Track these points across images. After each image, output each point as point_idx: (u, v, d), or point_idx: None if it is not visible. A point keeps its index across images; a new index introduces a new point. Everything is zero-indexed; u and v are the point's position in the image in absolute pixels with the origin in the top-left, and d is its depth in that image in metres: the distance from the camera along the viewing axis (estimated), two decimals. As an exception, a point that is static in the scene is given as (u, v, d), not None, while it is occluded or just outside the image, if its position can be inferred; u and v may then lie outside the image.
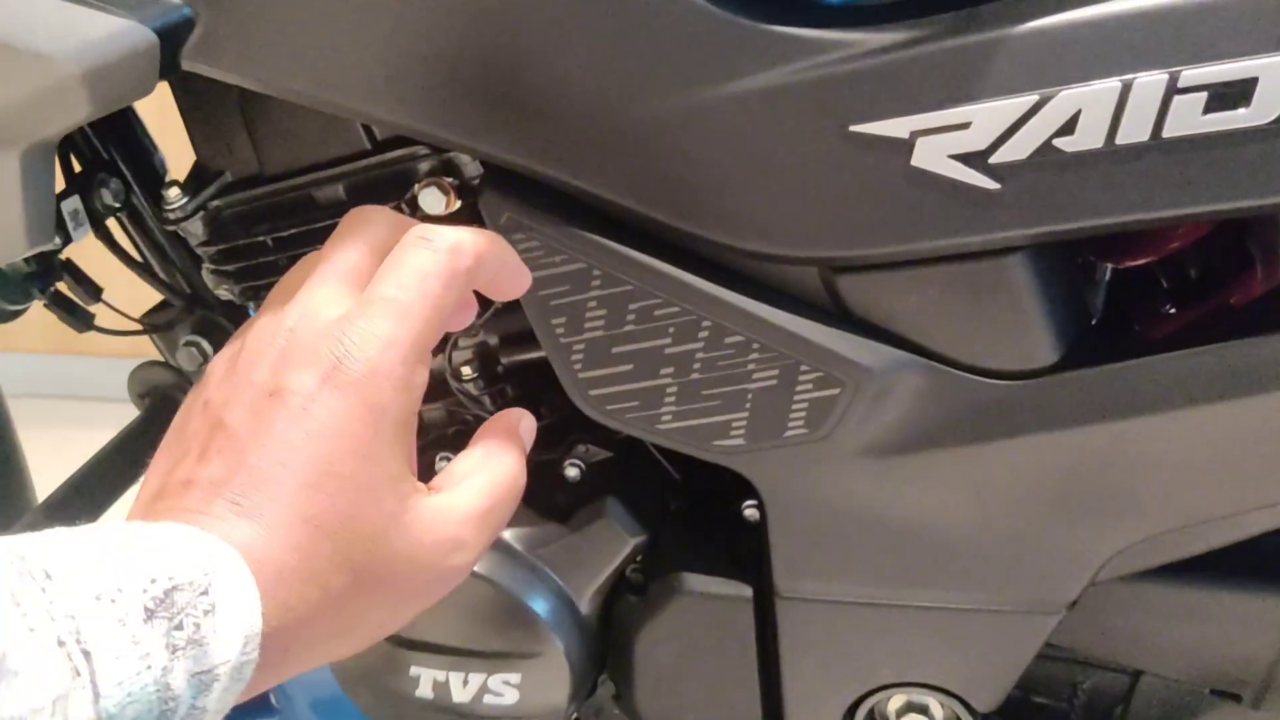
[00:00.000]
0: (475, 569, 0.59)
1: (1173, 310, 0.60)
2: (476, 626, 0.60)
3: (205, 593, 0.32)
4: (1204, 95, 0.40)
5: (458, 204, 0.57)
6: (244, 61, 0.48)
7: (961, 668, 0.57)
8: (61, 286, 0.69)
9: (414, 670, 0.61)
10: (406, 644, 0.61)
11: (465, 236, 0.40)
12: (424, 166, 0.58)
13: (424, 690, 0.62)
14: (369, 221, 0.41)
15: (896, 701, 0.59)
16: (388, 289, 0.38)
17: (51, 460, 0.91)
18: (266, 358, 0.37)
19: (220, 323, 0.73)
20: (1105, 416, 0.48)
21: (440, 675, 0.61)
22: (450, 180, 0.56)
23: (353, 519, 0.36)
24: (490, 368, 0.64)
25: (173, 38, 0.46)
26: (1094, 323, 0.53)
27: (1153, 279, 0.61)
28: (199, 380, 0.41)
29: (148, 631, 0.30)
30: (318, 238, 0.60)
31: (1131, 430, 0.48)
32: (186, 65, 0.48)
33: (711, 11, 0.44)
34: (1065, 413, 0.49)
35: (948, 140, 0.43)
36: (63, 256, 0.69)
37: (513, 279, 0.43)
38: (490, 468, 0.41)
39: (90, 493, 0.67)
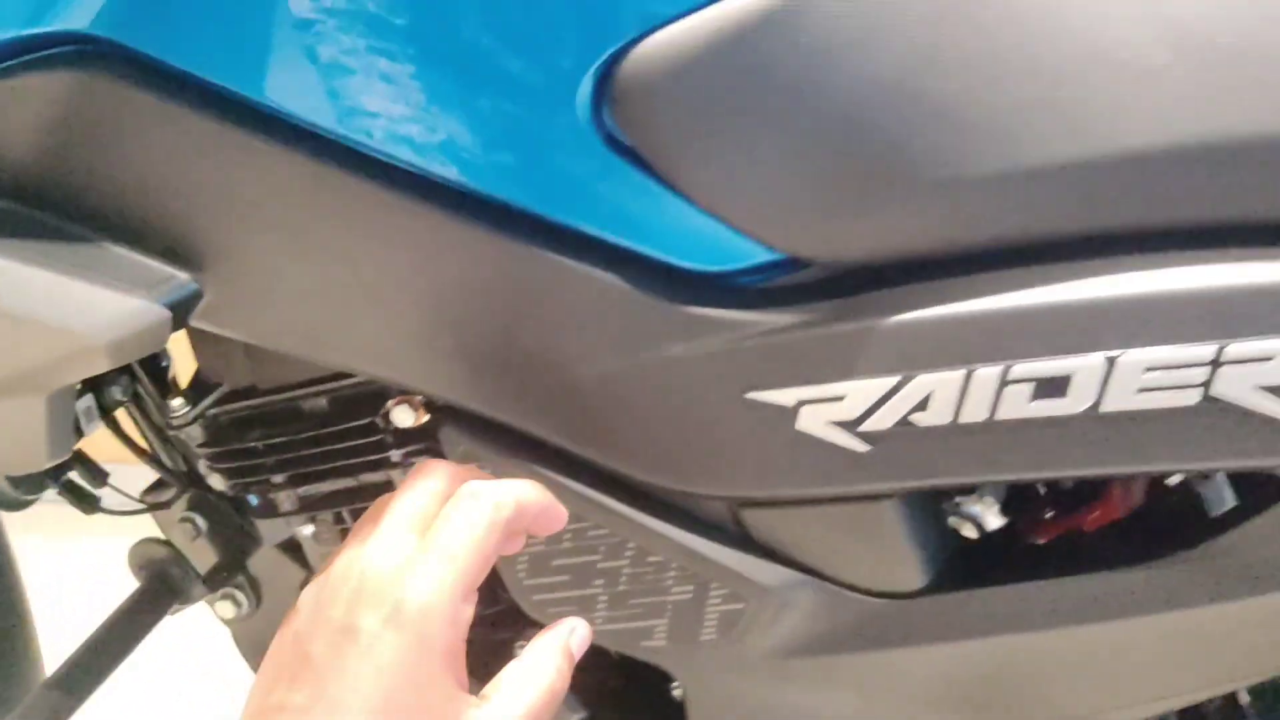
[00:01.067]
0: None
1: (1052, 514, 0.69)
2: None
3: None
4: (1030, 385, 0.49)
5: (425, 417, 0.65)
6: (242, 324, 0.57)
7: None
8: (71, 473, 0.77)
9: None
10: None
11: (509, 490, 0.47)
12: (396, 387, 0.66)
13: None
14: (432, 474, 0.49)
15: None
16: (441, 538, 0.45)
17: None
18: (341, 596, 0.45)
19: (214, 502, 0.81)
20: (965, 634, 0.56)
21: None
22: (419, 399, 0.65)
23: None
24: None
25: (183, 308, 0.55)
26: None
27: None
28: (293, 608, 0.48)
29: None
30: (303, 445, 0.69)
31: (989, 645, 0.56)
32: (194, 323, 0.57)
33: (637, 295, 0.53)
34: (934, 628, 0.57)
35: (826, 409, 0.52)
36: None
37: (550, 520, 0.49)
38: (534, 677, 0.48)
39: (92, 667, 0.74)
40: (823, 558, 0.57)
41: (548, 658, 0.49)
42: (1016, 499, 0.77)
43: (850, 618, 0.58)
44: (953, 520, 0.75)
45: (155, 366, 0.79)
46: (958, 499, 0.79)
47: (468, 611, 0.45)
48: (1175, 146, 0.46)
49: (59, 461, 0.61)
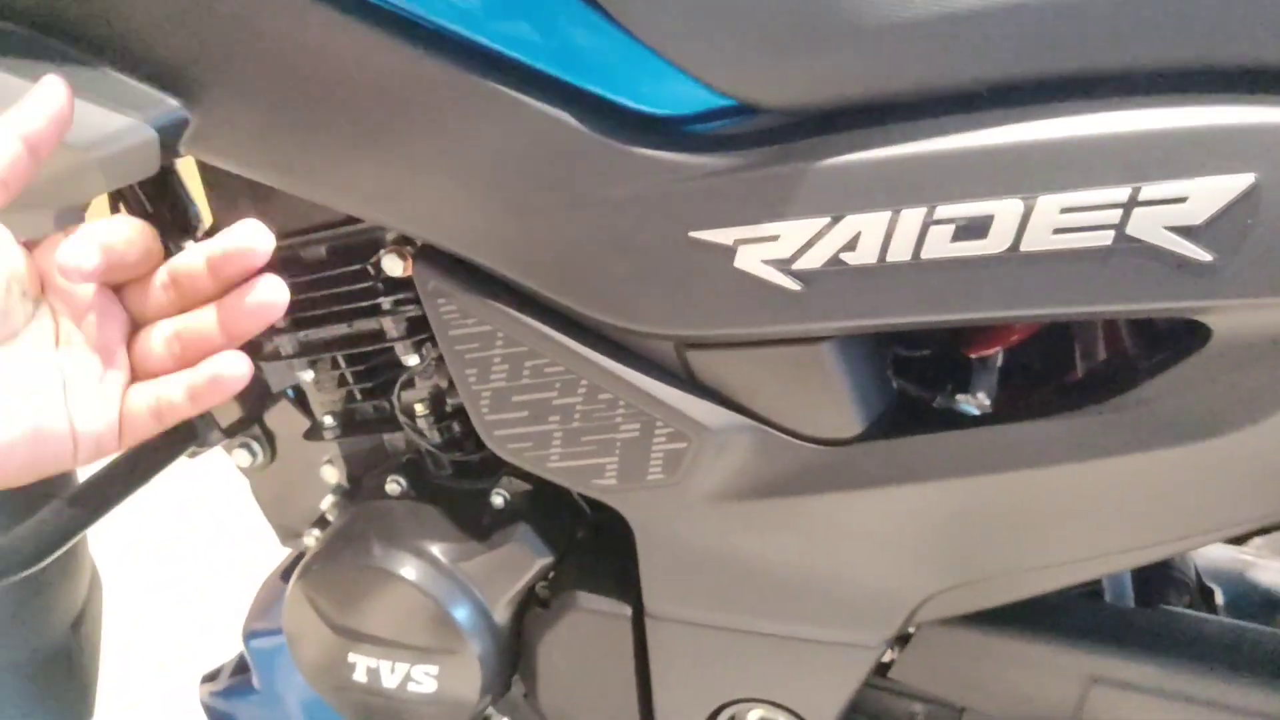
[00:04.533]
0: (407, 576, 0.70)
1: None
2: (405, 624, 0.71)
3: None
4: (953, 227, 0.50)
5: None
6: (227, 151, 0.60)
7: (798, 689, 0.66)
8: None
9: (351, 657, 0.73)
10: (347, 633, 0.72)
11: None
12: (389, 235, 0.70)
13: (359, 675, 0.73)
14: None
15: (754, 715, 0.69)
16: None
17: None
18: None
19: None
20: (902, 480, 0.58)
21: (373, 663, 0.72)
22: (408, 248, 0.68)
23: None
24: (440, 407, 0.76)
25: (171, 131, 0.59)
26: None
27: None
28: None
29: None
30: (302, 289, 0.73)
31: (925, 493, 0.58)
32: (184, 151, 0.60)
33: (589, 135, 0.55)
34: (869, 475, 0.58)
35: (761, 249, 0.54)
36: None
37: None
38: None
39: (109, 491, 0.79)
40: (763, 401, 0.59)
41: None
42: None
43: (789, 462, 0.60)
44: (951, 409, 0.77)
45: (185, 222, 0.84)
46: (955, 397, 0.81)
47: None
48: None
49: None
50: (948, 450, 0.57)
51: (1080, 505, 0.56)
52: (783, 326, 0.56)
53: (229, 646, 0.94)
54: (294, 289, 0.73)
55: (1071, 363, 0.72)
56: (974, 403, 0.80)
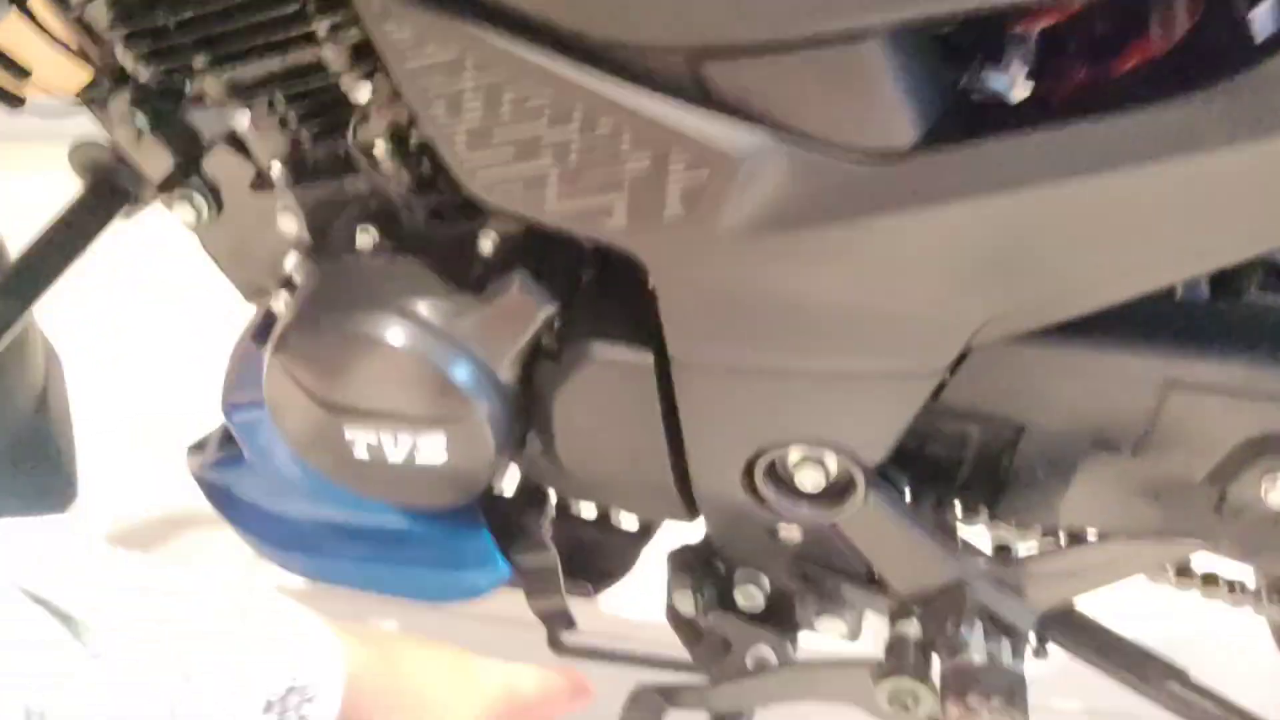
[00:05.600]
0: (395, 343, 0.62)
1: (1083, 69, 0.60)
2: (401, 394, 0.64)
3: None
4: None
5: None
6: None
7: (848, 426, 0.60)
8: (-9, 72, 0.70)
9: (348, 434, 0.66)
10: (338, 409, 0.65)
11: None
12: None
13: (361, 453, 0.66)
14: None
15: (795, 455, 0.63)
16: None
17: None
18: None
19: (152, 97, 0.73)
20: (967, 193, 0.49)
21: (373, 438, 0.66)
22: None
23: None
24: (403, 144, 0.65)
25: None
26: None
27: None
28: None
29: None
30: (214, 22, 0.60)
31: (989, 205, 0.49)
32: None
33: None
34: (928, 191, 0.50)
35: (795, -76, 0.42)
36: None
37: None
38: None
39: (39, 271, 0.70)
40: (799, 114, 0.49)
41: None
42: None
43: (831, 184, 0.50)
44: (975, 97, 0.66)
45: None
46: (983, 72, 0.70)
47: None
48: None
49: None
50: (1023, 153, 0.48)
51: (1173, 207, 0.48)
52: (820, 24, 0.45)
53: (210, 411, 0.86)
54: (207, 20, 0.61)
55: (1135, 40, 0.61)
56: (1006, 78, 0.70)
